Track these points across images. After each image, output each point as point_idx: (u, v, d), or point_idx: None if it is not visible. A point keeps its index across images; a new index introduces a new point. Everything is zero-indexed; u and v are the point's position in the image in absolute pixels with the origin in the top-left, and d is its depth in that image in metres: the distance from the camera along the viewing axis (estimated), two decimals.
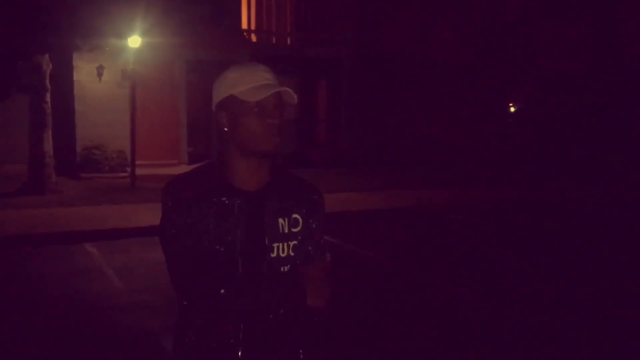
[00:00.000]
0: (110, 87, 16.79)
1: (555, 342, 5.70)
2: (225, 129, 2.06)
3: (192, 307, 2.08)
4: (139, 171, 14.35)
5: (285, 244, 2.07)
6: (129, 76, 14.26)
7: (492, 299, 6.95)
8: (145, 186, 13.67)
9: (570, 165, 19.93)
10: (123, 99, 16.62)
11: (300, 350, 2.15)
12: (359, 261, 8.70)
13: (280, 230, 2.07)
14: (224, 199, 2.02)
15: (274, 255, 2.05)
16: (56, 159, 13.62)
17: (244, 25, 19.66)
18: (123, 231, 10.00)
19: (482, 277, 7.87)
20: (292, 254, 2.08)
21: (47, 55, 13.12)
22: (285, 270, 2.08)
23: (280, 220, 2.07)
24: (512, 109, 23.62)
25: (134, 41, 13.62)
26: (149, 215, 10.83)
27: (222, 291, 2.03)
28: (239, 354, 2.04)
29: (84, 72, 16.53)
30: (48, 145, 13.19)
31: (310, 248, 2.15)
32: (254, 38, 20.00)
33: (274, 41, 20.41)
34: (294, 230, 2.09)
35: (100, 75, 16.43)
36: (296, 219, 2.10)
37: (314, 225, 2.15)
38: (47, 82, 13.19)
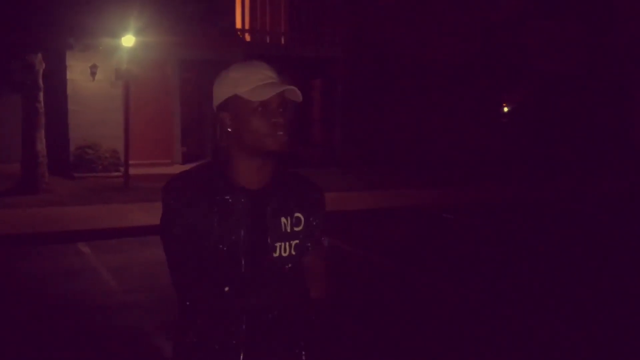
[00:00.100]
0: (104, 87, 16.71)
1: (555, 342, 5.66)
2: (229, 130, 2.02)
3: (194, 306, 2.04)
4: (132, 171, 14.29)
5: (287, 244, 2.05)
6: (123, 75, 14.19)
7: (492, 298, 6.93)
8: (139, 186, 13.63)
9: (565, 165, 19.95)
10: (116, 98, 16.54)
11: (303, 353, 2.13)
12: (356, 261, 8.67)
13: (283, 230, 2.04)
14: (228, 197, 1.99)
15: (276, 255, 2.03)
16: (49, 159, 13.54)
17: (238, 25, 19.60)
18: (116, 231, 9.94)
19: (482, 277, 7.84)
20: (293, 253, 2.06)
21: (40, 55, 13.05)
22: (288, 269, 2.06)
23: (283, 220, 2.05)
24: (506, 109, 23.62)
25: (128, 40, 13.57)
26: (143, 214, 10.81)
27: (227, 289, 2.00)
28: (241, 356, 2.02)
29: (77, 72, 16.44)
30: (41, 145, 13.12)
31: (309, 245, 2.13)
32: (248, 37, 19.94)
33: (268, 40, 20.36)
34: (296, 229, 2.07)
35: (93, 74, 16.35)
36: (298, 218, 2.09)
37: (314, 223, 2.13)
38: (40, 81, 13.11)
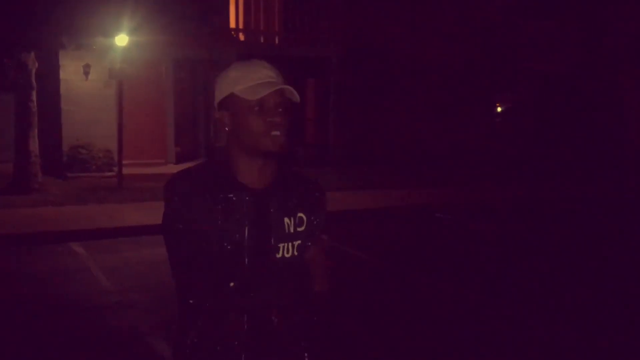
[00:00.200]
0: (97, 86, 16.62)
1: (555, 342, 5.64)
2: (227, 128, 2.00)
3: (195, 306, 2.01)
4: (126, 170, 14.21)
5: (290, 244, 2.03)
6: (116, 75, 14.12)
7: (492, 298, 6.90)
8: (132, 185, 13.56)
9: (563, 165, 19.95)
10: (110, 97, 16.45)
11: (306, 354, 2.11)
12: (354, 261, 8.62)
13: (286, 230, 2.03)
14: (231, 195, 1.96)
15: (279, 255, 2.01)
16: (42, 158, 13.45)
17: (232, 24, 19.54)
18: (110, 231, 9.88)
19: (482, 277, 7.81)
20: (296, 254, 2.05)
21: (33, 54, 12.95)
22: (289, 270, 2.05)
23: (286, 220, 2.03)
24: (504, 109, 23.64)
25: (121, 40, 13.50)
26: (136, 214, 10.76)
27: (231, 284, 1.97)
28: (242, 357, 2.00)
29: (71, 71, 16.35)
30: (34, 144, 13.03)
31: (309, 244, 2.12)
32: (241, 37, 19.89)
33: (262, 40, 20.32)
34: (299, 229, 2.06)
35: (87, 74, 16.26)
36: (301, 218, 2.07)
37: (315, 222, 2.12)
38: (33, 80, 13.02)
